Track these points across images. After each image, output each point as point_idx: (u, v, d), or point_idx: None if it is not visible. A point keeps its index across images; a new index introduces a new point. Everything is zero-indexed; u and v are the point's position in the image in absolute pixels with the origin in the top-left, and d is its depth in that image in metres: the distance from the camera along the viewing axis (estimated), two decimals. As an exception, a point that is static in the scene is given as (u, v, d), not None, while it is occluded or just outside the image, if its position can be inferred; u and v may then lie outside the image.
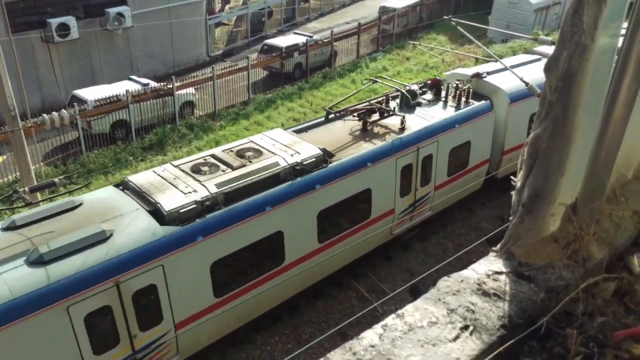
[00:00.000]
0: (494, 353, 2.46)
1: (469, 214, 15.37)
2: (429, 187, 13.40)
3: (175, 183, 9.75)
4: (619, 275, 2.97)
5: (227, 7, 34.27)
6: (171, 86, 20.26)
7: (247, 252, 10.01)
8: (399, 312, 2.64)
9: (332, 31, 27.19)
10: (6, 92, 11.74)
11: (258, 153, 10.85)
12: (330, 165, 11.16)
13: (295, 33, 29.11)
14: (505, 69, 12.91)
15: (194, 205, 9.27)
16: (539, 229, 3.06)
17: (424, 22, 33.19)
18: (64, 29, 21.78)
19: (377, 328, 2.55)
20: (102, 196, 9.73)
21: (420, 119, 13.09)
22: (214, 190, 9.61)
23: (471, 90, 14.14)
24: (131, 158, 18.30)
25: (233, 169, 10.21)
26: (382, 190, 12.17)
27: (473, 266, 2.98)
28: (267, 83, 24.90)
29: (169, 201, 9.24)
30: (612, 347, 2.59)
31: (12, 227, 8.64)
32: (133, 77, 21.62)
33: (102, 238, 8.43)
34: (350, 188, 11.46)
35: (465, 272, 2.92)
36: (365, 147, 11.92)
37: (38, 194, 12.10)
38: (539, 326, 2.61)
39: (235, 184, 9.85)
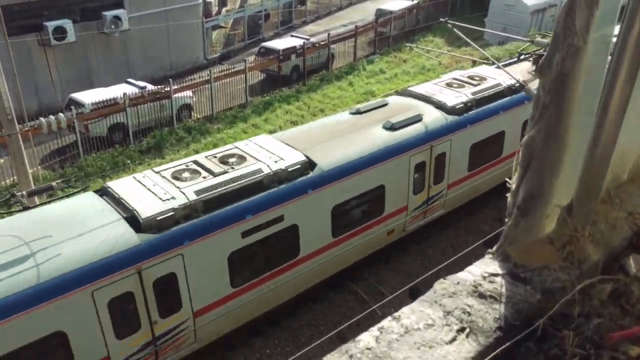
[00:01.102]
0: (491, 355, 2.46)
1: (467, 215, 15.38)
2: None
3: (442, 92, 14.40)
4: (615, 276, 2.97)
5: (224, 10, 34.28)
6: (168, 89, 20.25)
7: (488, 141, 14.33)
8: (395, 314, 2.64)
9: (329, 34, 27.17)
10: (3, 96, 11.73)
11: (482, 79, 15.35)
12: None
13: (292, 36, 29.09)
14: None
15: (462, 105, 13.75)
16: (535, 231, 3.07)
17: (421, 24, 33.23)
18: (60, 32, 21.73)
19: (374, 330, 2.54)
20: (396, 100, 14.39)
21: None
22: (470, 96, 14.11)
23: None
24: (129, 161, 18.26)
25: (473, 85, 14.83)
26: None
27: (469, 268, 2.99)
28: (265, 86, 24.87)
29: (449, 100, 13.80)
30: (608, 349, 2.59)
31: (358, 112, 13.38)
32: (130, 80, 21.54)
33: (419, 119, 13.00)
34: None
35: (461, 274, 2.92)
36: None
37: (36, 197, 12.07)
38: (535, 328, 2.61)
39: (480, 93, 14.34)
